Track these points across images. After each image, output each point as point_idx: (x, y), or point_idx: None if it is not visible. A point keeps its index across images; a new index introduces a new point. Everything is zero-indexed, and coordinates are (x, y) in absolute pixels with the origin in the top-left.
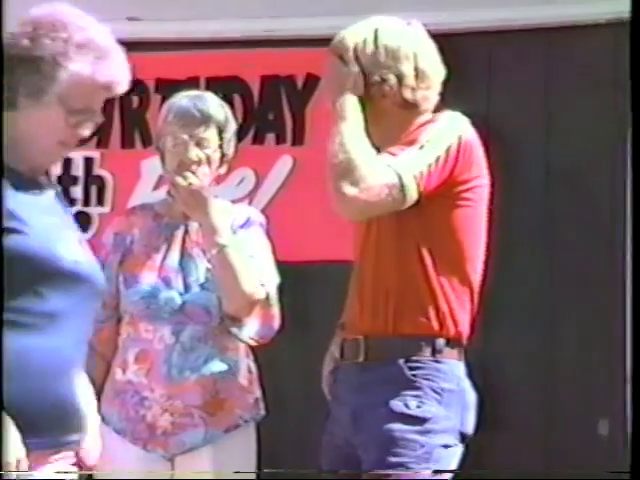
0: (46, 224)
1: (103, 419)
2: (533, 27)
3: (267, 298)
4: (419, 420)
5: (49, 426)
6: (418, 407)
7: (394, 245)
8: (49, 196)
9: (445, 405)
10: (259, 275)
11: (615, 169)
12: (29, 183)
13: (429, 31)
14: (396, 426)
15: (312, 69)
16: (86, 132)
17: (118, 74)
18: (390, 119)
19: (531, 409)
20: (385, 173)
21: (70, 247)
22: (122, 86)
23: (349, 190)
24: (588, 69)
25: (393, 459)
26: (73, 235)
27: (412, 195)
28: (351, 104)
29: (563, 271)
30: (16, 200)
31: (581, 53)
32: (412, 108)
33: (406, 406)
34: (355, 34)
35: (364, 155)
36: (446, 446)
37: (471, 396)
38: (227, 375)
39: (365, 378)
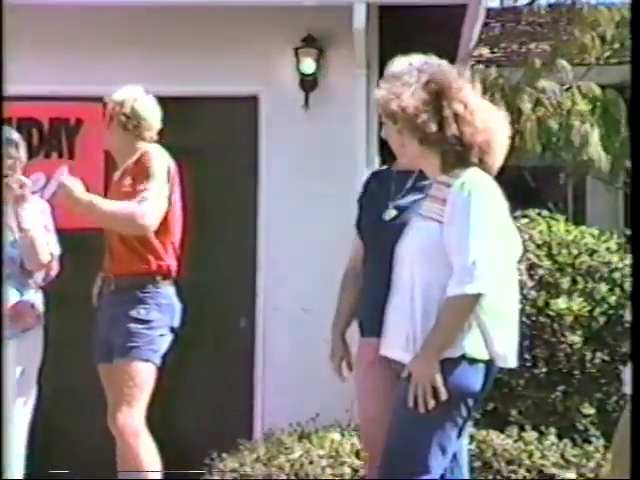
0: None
1: None
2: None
3: (51, 258)
4: (146, 321)
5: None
6: (146, 313)
7: None
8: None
9: (162, 312)
10: (48, 246)
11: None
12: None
13: (157, 96)
14: (132, 325)
15: (79, 115)
16: (407, 133)
17: (380, 97)
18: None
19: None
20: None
21: None
22: (390, 105)
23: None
24: (229, 128)
25: (131, 344)
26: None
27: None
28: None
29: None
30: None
31: (223, 117)
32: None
33: (138, 313)
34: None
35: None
36: (162, 335)
37: (178, 306)
38: (24, 300)
39: (116, 299)
